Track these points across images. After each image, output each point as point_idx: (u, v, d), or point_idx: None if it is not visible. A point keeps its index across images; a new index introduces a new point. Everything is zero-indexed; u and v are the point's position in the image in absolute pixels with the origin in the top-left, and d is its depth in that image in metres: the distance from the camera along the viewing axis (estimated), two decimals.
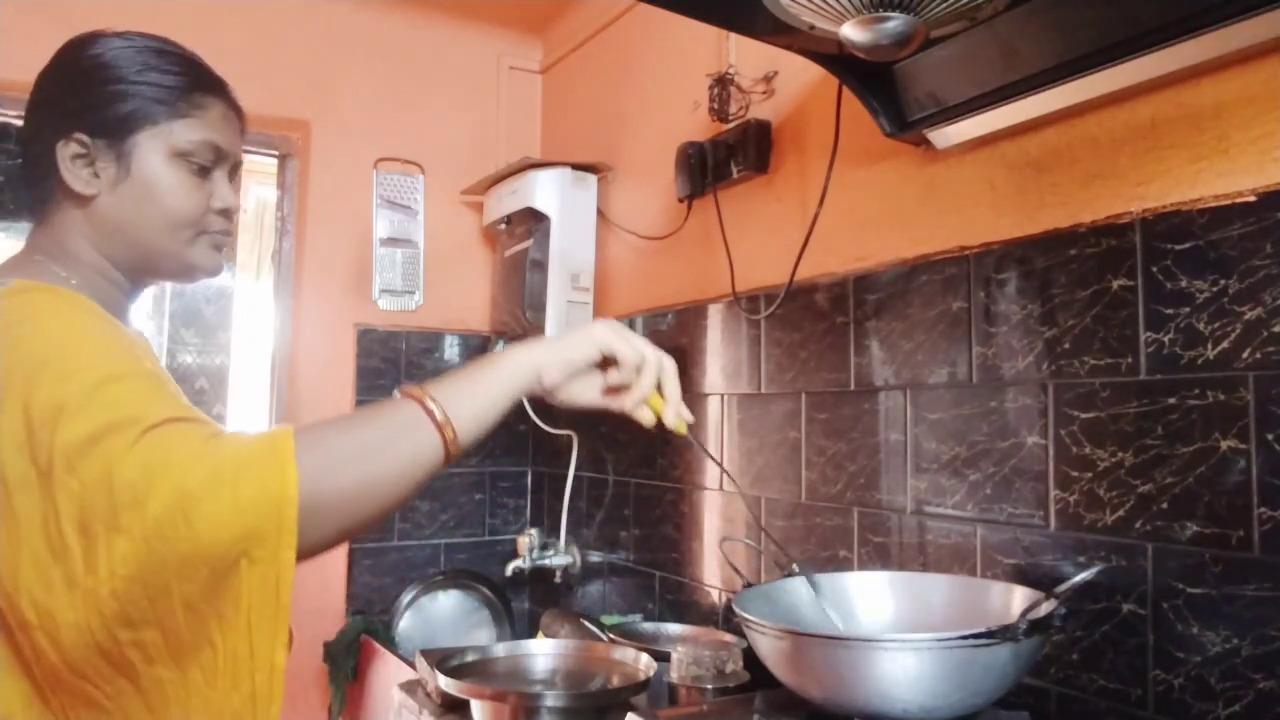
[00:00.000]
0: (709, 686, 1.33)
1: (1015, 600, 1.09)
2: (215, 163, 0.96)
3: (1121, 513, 1.10)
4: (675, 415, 0.94)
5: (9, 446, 0.75)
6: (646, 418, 0.95)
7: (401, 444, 0.82)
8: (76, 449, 0.74)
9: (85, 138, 0.91)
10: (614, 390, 0.94)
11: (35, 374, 0.77)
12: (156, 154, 0.93)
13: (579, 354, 0.90)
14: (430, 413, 0.82)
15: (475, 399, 0.85)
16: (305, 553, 0.76)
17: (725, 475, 1.02)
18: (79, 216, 0.93)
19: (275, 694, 0.79)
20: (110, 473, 0.73)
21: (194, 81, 0.95)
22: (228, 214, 0.99)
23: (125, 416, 0.76)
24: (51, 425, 0.75)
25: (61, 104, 0.93)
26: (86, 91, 0.92)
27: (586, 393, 0.93)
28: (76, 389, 0.77)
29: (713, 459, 1.01)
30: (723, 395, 1.78)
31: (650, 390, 0.93)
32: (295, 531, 0.74)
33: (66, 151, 0.91)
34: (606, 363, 0.92)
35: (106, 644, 0.74)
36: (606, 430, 2.16)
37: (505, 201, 2.28)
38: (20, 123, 0.96)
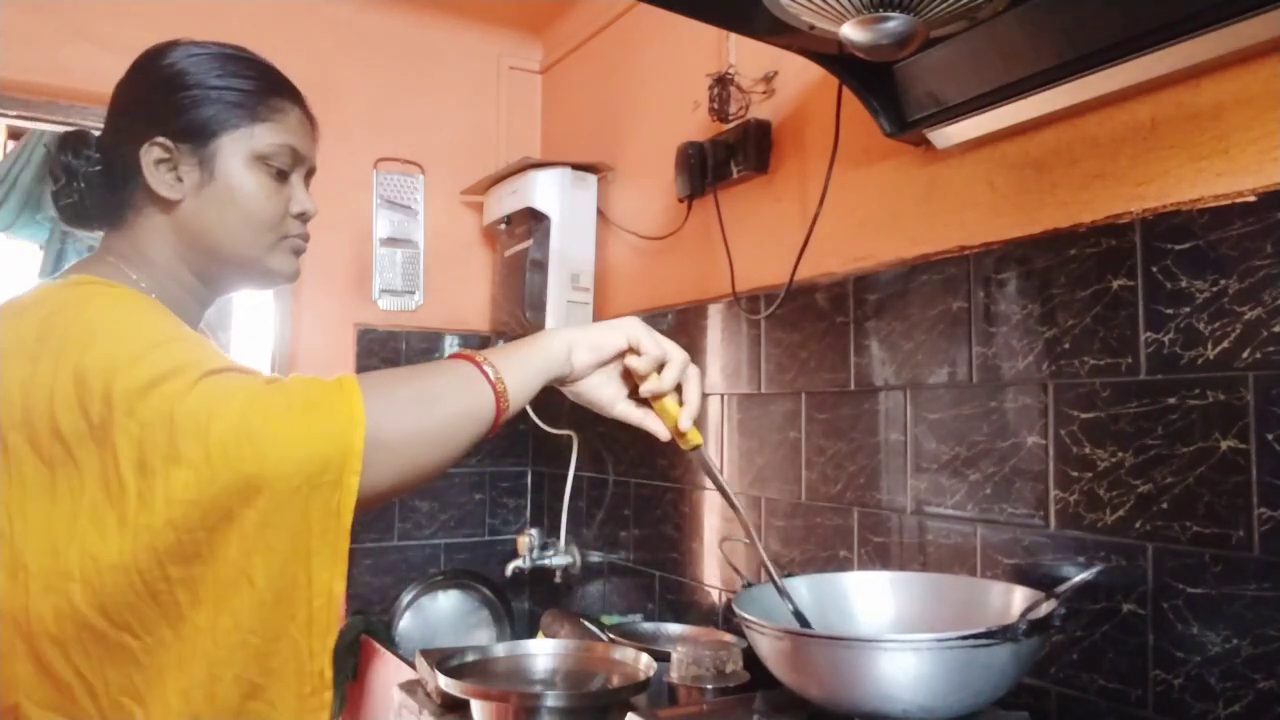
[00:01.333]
0: (709, 686, 1.33)
1: (1015, 600, 1.09)
2: (293, 167, 0.98)
3: (1121, 513, 1.10)
4: (690, 420, 0.94)
5: (62, 408, 0.77)
6: (656, 427, 0.96)
7: (461, 397, 0.85)
8: (136, 392, 0.75)
9: (169, 142, 0.92)
10: (633, 393, 0.95)
11: (88, 342, 0.79)
12: (238, 157, 0.94)
13: (608, 340, 0.93)
14: (485, 372, 0.85)
15: (521, 368, 0.89)
16: (367, 491, 0.77)
17: (729, 501, 1.01)
18: (162, 221, 0.94)
19: (332, 623, 0.79)
20: (171, 408, 0.75)
21: (272, 86, 0.97)
22: (305, 218, 1.00)
23: (185, 363, 0.78)
24: (105, 378, 0.76)
25: (143, 110, 0.94)
26: (168, 97, 0.93)
27: (606, 390, 0.95)
28: (131, 347, 0.79)
29: (717, 480, 1.01)
30: (723, 395, 1.78)
31: (669, 386, 0.93)
32: (361, 458, 0.76)
33: (150, 156, 0.92)
34: (630, 358, 0.93)
35: (157, 584, 0.75)
36: (606, 430, 2.16)
37: (505, 201, 2.28)
38: (98, 130, 0.98)
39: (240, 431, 0.74)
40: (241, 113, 0.94)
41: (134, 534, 0.74)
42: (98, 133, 0.98)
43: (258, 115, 0.95)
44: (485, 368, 0.86)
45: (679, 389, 0.95)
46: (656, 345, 0.93)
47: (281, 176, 0.97)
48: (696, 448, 0.96)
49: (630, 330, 0.93)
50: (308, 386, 0.79)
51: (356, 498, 0.77)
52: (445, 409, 0.84)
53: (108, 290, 0.87)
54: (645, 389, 0.94)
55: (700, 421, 1.81)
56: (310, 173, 1.02)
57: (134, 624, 0.76)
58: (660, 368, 0.94)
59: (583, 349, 0.92)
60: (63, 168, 0.95)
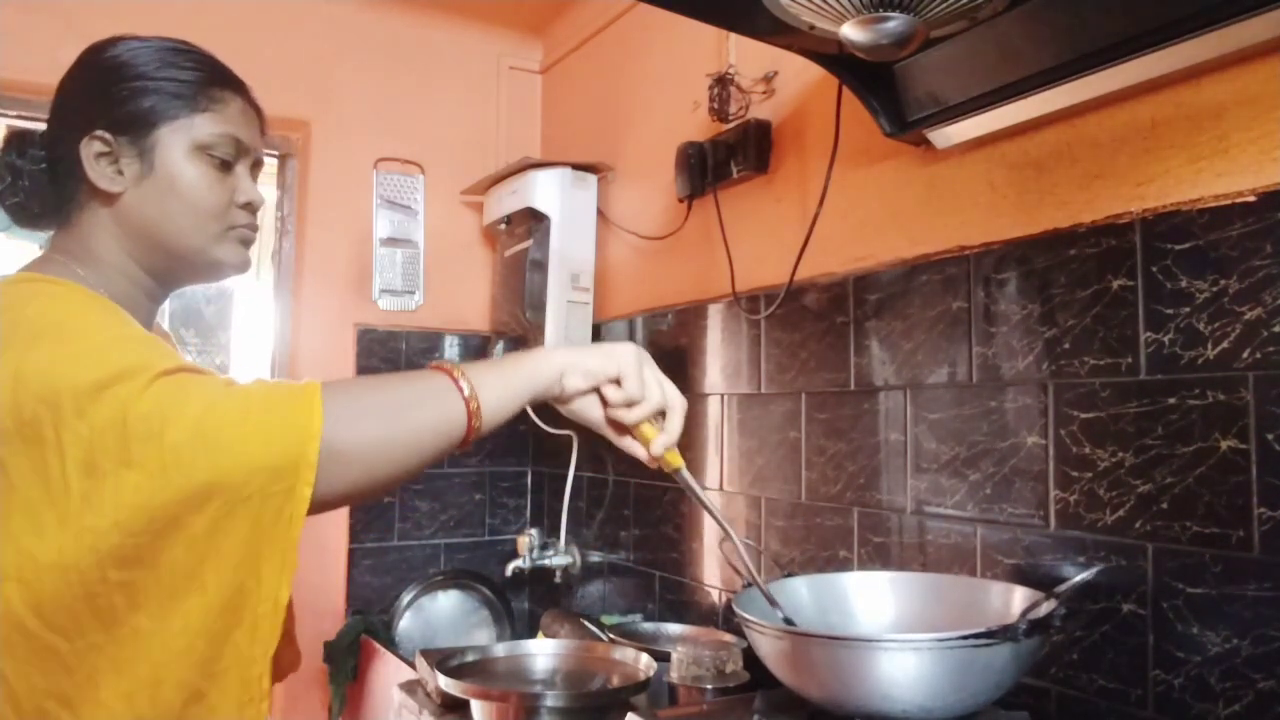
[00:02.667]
0: (709, 686, 1.33)
1: (1015, 600, 1.09)
2: (237, 157, 0.97)
3: (1121, 513, 1.10)
4: (663, 446, 0.93)
5: None
6: (635, 450, 0.95)
7: (428, 409, 0.83)
8: (86, 393, 0.74)
9: (108, 135, 0.91)
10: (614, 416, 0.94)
11: (29, 342, 0.78)
12: (178, 148, 0.93)
13: (601, 368, 0.91)
14: (459, 386, 0.84)
15: (502, 385, 0.87)
16: (318, 500, 0.77)
17: (717, 522, 1.02)
18: (104, 215, 0.93)
19: (274, 631, 0.79)
20: (124, 411, 0.74)
21: (212, 77, 0.96)
22: (252, 208, 0.99)
23: (136, 364, 0.77)
24: (47, 378, 0.75)
25: (83, 104, 0.93)
26: (107, 90, 0.92)
27: (596, 410, 0.94)
28: (78, 348, 0.78)
29: (701, 502, 1.01)
30: (723, 395, 1.78)
31: (631, 420, 0.93)
32: (315, 469, 0.75)
33: (90, 150, 0.91)
34: (607, 387, 0.93)
35: (94, 585, 0.74)
36: None
37: (505, 201, 2.28)
38: (42, 127, 0.96)
39: (195, 437, 0.73)
40: (180, 103, 0.93)
41: (76, 535, 0.73)
42: (42, 130, 0.97)
43: (197, 105, 0.93)
44: (460, 381, 0.84)
45: (663, 414, 0.94)
46: (638, 383, 0.92)
47: (225, 167, 0.95)
48: (677, 470, 0.96)
49: (623, 361, 0.92)
50: (266, 392, 0.78)
51: (308, 507, 0.76)
52: (409, 422, 0.82)
53: (52, 288, 0.86)
54: (611, 414, 0.94)
55: (700, 421, 1.82)
56: (257, 164, 1.01)
57: (67, 626, 0.75)
58: (643, 395, 0.93)
59: (576, 374, 0.91)
60: (7, 167, 0.94)
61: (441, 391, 0.84)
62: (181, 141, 0.93)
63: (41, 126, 0.97)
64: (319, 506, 0.77)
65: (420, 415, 0.83)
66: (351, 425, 0.78)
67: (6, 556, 0.75)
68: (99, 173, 0.91)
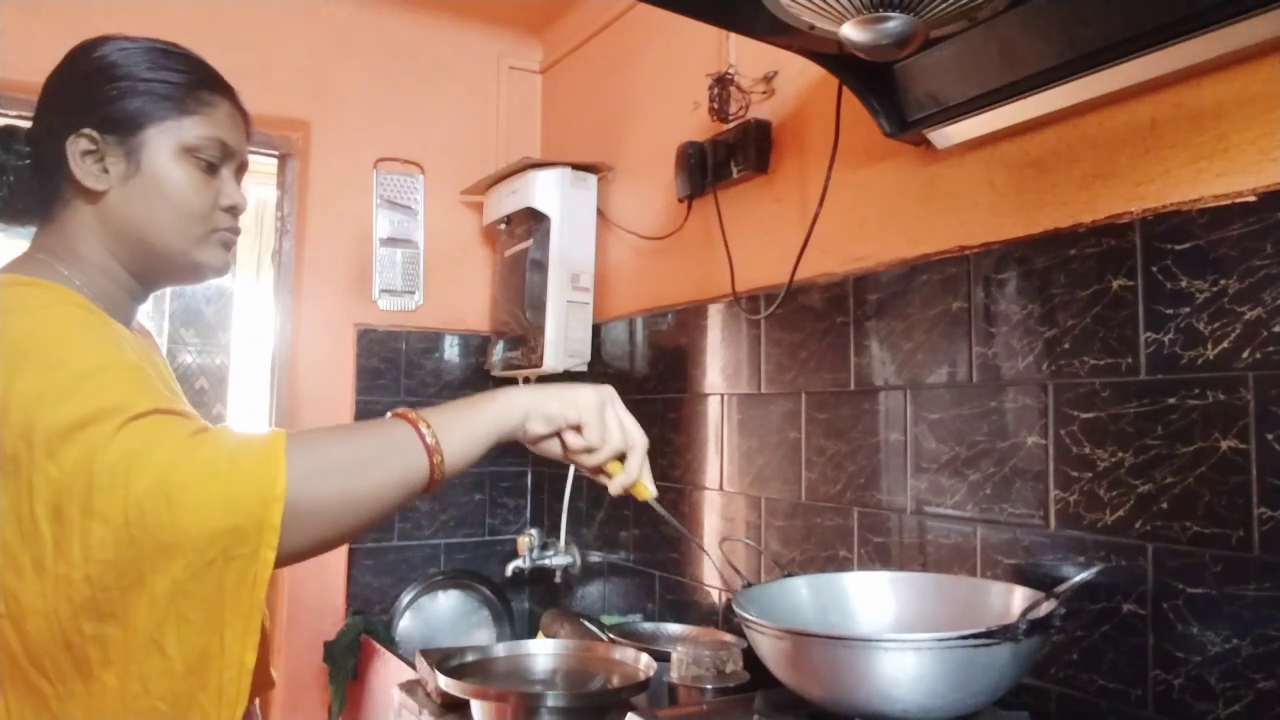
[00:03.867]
0: (709, 686, 1.33)
1: (1015, 600, 1.09)
2: (223, 160, 0.97)
3: (1121, 513, 1.10)
4: (620, 487, 0.96)
5: None
6: (600, 479, 0.97)
7: (391, 461, 0.83)
8: (58, 435, 0.74)
9: (95, 134, 0.91)
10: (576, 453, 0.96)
11: (17, 365, 0.77)
12: (165, 150, 0.93)
13: (563, 415, 0.92)
14: (422, 436, 0.84)
15: (466, 430, 0.87)
16: (282, 558, 0.76)
17: (684, 532, 1.04)
18: (89, 214, 0.93)
19: (242, 695, 0.78)
20: (91, 458, 0.73)
21: (201, 80, 0.96)
22: (235, 212, 0.99)
23: (109, 405, 0.76)
24: (29, 411, 0.74)
25: (71, 102, 0.93)
26: (96, 89, 0.92)
27: (558, 448, 0.95)
28: (59, 379, 0.77)
29: (679, 528, 1.04)
30: (723, 395, 1.78)
31: (588, 465, 0.95)
32: (278, 531, 0.75)
33: (76, 148, 0.91)
34: (568, 434, 0.94)
35: (72, 636, 0.74)
36: None
37: (505, 201, 2.28)
38: (29, 124, 0.96)
39: (159, 494, 0.72)
40: (169, 105, 0.93)
41: (53, 583, 0.73)
42: (28, 126, 0.97)
43: (186, 108, 0.94)
44: (424, 432, 0.84)
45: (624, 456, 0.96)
46: (598, 431, 0.93)
47: (211, 170, 0.95)
48: (647, 500, 0.99)
49: (584, 408, 0.92)
50: (233, 450, 0.76)
51: (270, 570, 0.76)
52: (373, 475, 0.82)
53: (40, 295, 0.85)
54: (570, 458, 0.95)
55: (701, 421, 1.82)
56: (242, 167, 1.01)
57: (49, 670, 0.75)
58: (602, 441, 0.94)
59: (538, 420, 0.91)
60: None
61: (404, 442, 0.83)
62: (168, 143, 0.93)
63: (26, 124, 0.97)
64: (282, 563, 0.77)
65: (383, 469, 0.82)
66: (314, 484, 0.78)
67: None
68: (84, 171, 0.91)
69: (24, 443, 0.74)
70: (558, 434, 0.93)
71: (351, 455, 0.82)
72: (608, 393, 0.95)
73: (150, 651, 0.75)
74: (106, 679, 0.75)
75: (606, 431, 0.93)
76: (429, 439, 0.84)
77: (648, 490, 0.98)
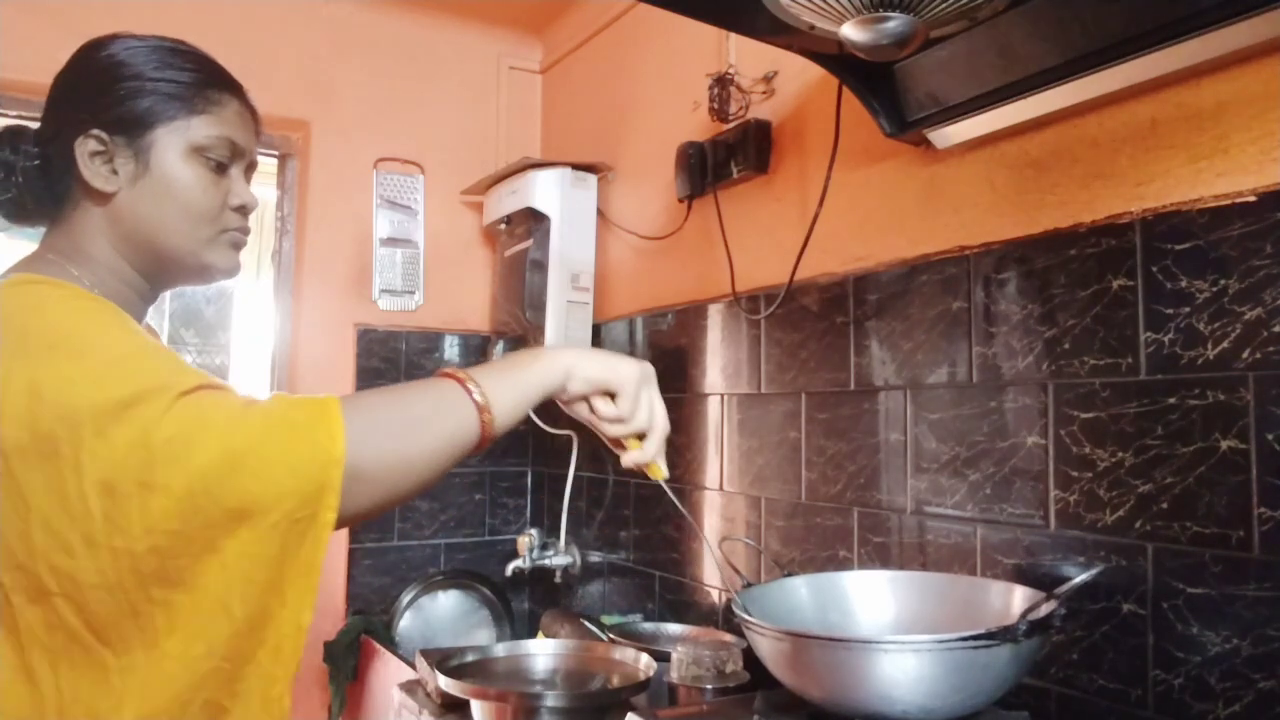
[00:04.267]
0: (709, 686, 1.33)
1: (1015, 600, 1.09)
2: (232, 159, 0.96)
3: (1121, 513, 1.10)
4: (632, 462, 0.98)
5: (9, 420, 0.75)
6: (615, 447, 1.00)
7: (444, 420, 0.84)
8: (107, 413, 0.74)
9: (103, 134, 0.91)
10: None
11: (45, 356, 0.77)
12: (174, 149, 0.92)
13: (603, 379, 0.94)
14: (470, 394, 0.85)
15: (513, 388, 0.89)
16: (341, 520, 0.78)
17: (688, 517, 1.06)
18: (97, 215, 0.93)
19: (296, 653, 0.79)
20: (147, 433, 0.74)
21: (210, 78, 0.96)
22: (245, 211, 0.98)
23: (155, 384, 0.77)
24: (65, 395, 0.75)
25: (79, 102, 0.93)
26: (104, 89, 0.92)
27: (584, 409, 0.97)
28: (93, 363, 0.78)
29: (685, 514, 1.06)
30: (723, 395, 1.78)
31: (613, 434, 0.97)
32: (339, 493, 0.76)
33: (85, 148, 0.91)
34: (598, 400, 0.96)
35: (140, 604, 0.75)
36: None
37: (505, 201, 2.28)
38: (37, 124, 0.96)
39: (222, 464, 0.74)
40: (178, 105, 0.92)
41: (110, 556, 0.74)
42: (36, 127, 0.96)
43: (195, 107, 0.93)
44: (472, 389, 0.85)
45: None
46: (630, 403, 0.95)
47: (220, 169, 0.95)
48: (659, 481, 1.00)
49: (624, 378, 0.94)
50: (287, 412, 0.78)
51: (330, 532, 0.77)
52: (427, 434, 0.83)
53: (56, 291, 0.85)
54: (600, 425, 0.97)
55: (701, 421, 1.82)
56: (251, 166, 1.00)
57: (115, 641, 0.76)
58: (632, 414, 0.96)
59: (579, 380, 0.93)
60: (0, 163, 0.93)
61: (455, 401, 0.85)
62: (178, 143, 0.92)
63: (36, 123, 0.96)
64: (341, 524, 0.78)
65: (437, 428, 0.84)
66: (372, 446, 0.79)
67: (44, 574, 0.75)
68: (93, 172, 0.91)
69: (64, 425, 0.74)
70: (588, 397, 0.94)
71: (405, 416, 0.83)
72: (648, 370, 0.97)
73: (218, 614, 0.76)
74: (169, 645, 0.76)
75: (638, 405, 0.95)
76: (478, 397, 0.85)
77: (661, 471, 0.99)
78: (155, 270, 0.96)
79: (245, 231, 0.99)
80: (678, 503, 1.04)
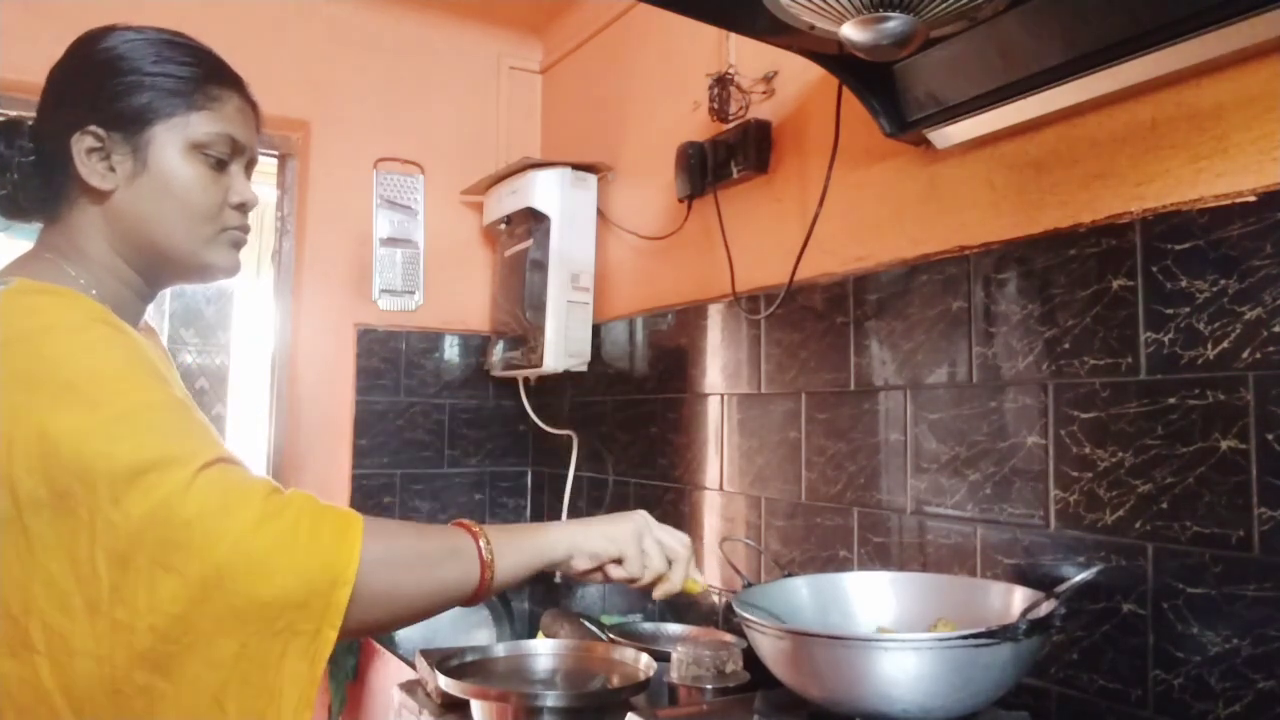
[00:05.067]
0: (709, 686, 1.33)
1: (1015, 600, 1.09)
2: (232, 156, 0.94)
3: (1121, 513, 1.10)
4: (664, 593, 1.01)
5: (21, 467, 0.74)
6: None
7: (451, 565, 0.87)
8: (122, 479, 0.73)
9: (100, 131, 0.89)
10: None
11: (59, 396, 0.76)
12: (173, 146, 0.90)
13: (604, 551, 0.98)
14: (480, 550, 0.88)
15: (517, 553, 0.92)
16: (338, 637, 0.78)
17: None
18: (95, 213, 0.91)
19: None
20: (166, 511, 0.73)
21: (210, 73, 0.93)
22: (245, 209, 0.97)
23: (173, 454, 0.76)
24: (80, 449, 0.73)
25: (75, 98, 0.90)
26: (101, 84, 0.89)
27: (599, 577, 1.00)
28: (107, 416, 0.76)
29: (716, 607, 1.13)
30: (723, 395, 1.78)
31: (646, 585, 1.00)
32: (342, 614, 0.76)
33: (81, 145, 0.88)
34: (611, 567, 0.99)
35: (122, 684, 0.74)
36: (606, 430, 2.16)
37: (505, 201, 2.28)
38: (33, 118, 0.94)
39: (241, 562, 0.74)
40: (177, 101, 0.90)
41: (110, 627, 0.73)
42: (32, 121, 0.94)
43: (194, 103, 0.91)
44: (483, 548, 0.88)
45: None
46: (638, 563, 0.98)
47: (220, 166, 0.93)
48: (697, 594, 1.05)
49: (624, 544, 0.98)
50: (314, 525, 0.78)
51: (330, 650, 0.78)
52: (431, 577, 0.86)
53: (58, 304, 0.82)
54: (629, 583, 1.00)
55: (701, 422, 1.82)
56: (251, 162, 0.98)
57: (87, 714, 0.75)
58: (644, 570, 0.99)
59: (583, 557, 0.96)
60: None
61: (464, 551, 0.88)
62: (177, 140, 0.90)
63: (31, 117, 0.94)
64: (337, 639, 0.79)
65: (443, 570, 0.86)
66: (382, 573, 0.80)
67: (33, 629, 0.74)
68: (90, 169, 0.89)
69: (80, 483, 0.73)
70: (600, 568, 0.98)
71: (418, 552, 0.86)
72: (642, 520, 1.00)
73: (214, 710, 0.75)
74: None
75: (647, 558, 0.99)
76: (486, 554, 0.88)
77: (697, 585, 1.04)
78: (154, 269, 0.94)
79: (245, 230, 0.97)
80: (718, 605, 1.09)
